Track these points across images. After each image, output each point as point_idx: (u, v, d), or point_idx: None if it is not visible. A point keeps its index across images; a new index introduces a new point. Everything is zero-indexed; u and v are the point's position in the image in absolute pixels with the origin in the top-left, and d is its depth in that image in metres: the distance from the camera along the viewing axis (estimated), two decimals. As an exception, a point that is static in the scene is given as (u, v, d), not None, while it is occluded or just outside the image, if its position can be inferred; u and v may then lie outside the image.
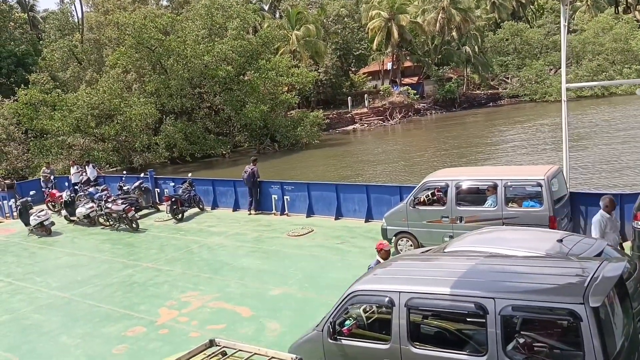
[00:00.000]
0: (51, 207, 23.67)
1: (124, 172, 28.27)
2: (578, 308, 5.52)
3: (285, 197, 19.47)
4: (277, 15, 75.49)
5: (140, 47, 41.54)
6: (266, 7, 77.18)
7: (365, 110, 62.08)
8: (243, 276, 13.63)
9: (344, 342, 7.09)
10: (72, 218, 21.51)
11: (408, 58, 68.09)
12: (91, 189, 22.29)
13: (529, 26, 75.90)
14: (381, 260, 8.93)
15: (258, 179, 19.93)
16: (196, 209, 21.15)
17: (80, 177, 24.88)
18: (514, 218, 11.45)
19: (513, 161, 31.81)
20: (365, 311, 7.49)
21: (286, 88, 47.37)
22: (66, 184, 26.00)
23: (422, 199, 13.19)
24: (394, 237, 13.44)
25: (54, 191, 24.26)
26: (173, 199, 20.18)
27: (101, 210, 20.09)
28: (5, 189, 24.58)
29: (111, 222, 20.01)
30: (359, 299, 7.18)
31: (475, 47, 67.47)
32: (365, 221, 17.13)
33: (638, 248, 9.53)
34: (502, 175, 12.29)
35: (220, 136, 45.04)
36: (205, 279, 13.76)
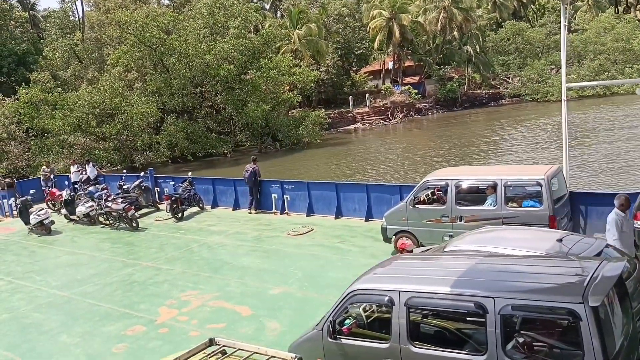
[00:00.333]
0: (51, 206, 23.69)
1: (124, 171, 28.25)
2: (577, 307, 5.51)
3: (285, 196, 19.46)
4: (278, 14, 75.48)
5: (142, 46, 41.53)
6: (267, 6, 77.18)
7: (366, 109, 62.07)
8: (243, 275, 13.63)
9: (343, 341, 7.08)
10: (72, 217, 21.51)
11: (409, 57, 68.02)
12: (91, 188, 22.28)
13: (530, 26, 75.81)
14: None
15: (259, 178, 19.94)
16: (196, 208, 21.15)
17: (80, 176, 24.86)
18: (514, 217, 11.44)
19: (515, 160, 31.79)
20: (365, 310, 7.48)
21: (287, 87, 47.34)
22: (66, 182, 26.01)
23: (422, 199, 13.19)
24: (393, 237, 13.44)
25: (54, 190, 24.28)
26: (173, 198, 20.17)
27: (101, 209, 20.10)
28: (5, 188, 24.55)
29: (111, 221, 20.01)
30: (359, 298, 7.17)
31: (477, 46, 67.41)
32: (365, 220, 17.13)
33: (638, 248, 9.52)
34: (502, 174, 12.29)
35: (221, 135, 45.01)
36: (205, 278, 13.76)
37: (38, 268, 16.10)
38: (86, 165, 26.32)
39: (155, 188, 23.18)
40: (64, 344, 10.84)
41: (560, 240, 8.44)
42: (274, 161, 39.59)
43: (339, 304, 7.17)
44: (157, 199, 22.99)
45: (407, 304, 6.56)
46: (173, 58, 41.32)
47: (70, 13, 62.90)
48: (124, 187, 21.77)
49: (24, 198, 21.46)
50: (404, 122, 60.16)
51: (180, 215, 20.12)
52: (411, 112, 63.11)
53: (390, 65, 67.41)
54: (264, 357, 5.90)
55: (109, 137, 40.16)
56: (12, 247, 19.06)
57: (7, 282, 15.00)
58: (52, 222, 20.22)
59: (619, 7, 11.92)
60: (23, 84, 41.00)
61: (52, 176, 26.05)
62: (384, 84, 66.45)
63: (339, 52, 64.54)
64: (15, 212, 22.70)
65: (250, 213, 20.03)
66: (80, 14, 60.72)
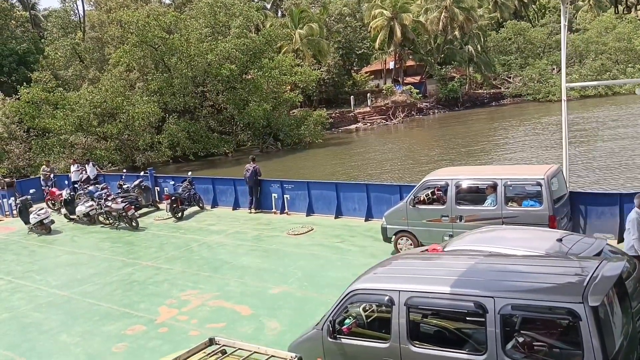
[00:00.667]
0: (51, 206, 23.71)
1: (124, 170, 28.25)
2: (577, 307, 5.51)
3: (285, 195, 19.46)
4: (279, 14, 75.48)
5: (143, 46, 41.51)
6: (268, 6, 77.14)
7: (367, 109, 62.05)
8: (243, 275, 13.62)
9: (343, 340, 7.07)
10: (71, 216, 21.52)
11: (410, 57, 67.97)
12: (91, 188, 22.27)
13: (531, 25, 75.75)
14: None
15: (259, 177, 19.93)
16: (196, 208, 21.17)
17: (80, 176, 24.85)
18: (514, 217, 11.43)
19: (518, 159, 31.75)
20: (365, 310, 7.48)
21: (289, 87, 47.33)
22: (66, 182, 26.01)
23: (422, 198, 13.18)
24: (393, 236, 13.43)
25: (54, 189, 24.29)
26: (173, 198, 20.17)
27: (101, 208, 20.10)
28: (5, 187, 24.55)
29: (111, 221, 20.01)
30: (359, 297, 7.17)
31: (478, 46, 67.34)
32: (365, 220, 17.13)
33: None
34: (502, 174, 12.27)
35: (223, 135, 44.96)
36: (205, 277, 13.75)
37: (38, 267, 16.09)
38: (86, 165, 26.32)
39: (155, 187, 23.18)
40: (63, 343, 10.84)
41: (560, 240, 8.45)
42: (275, 161, 39.60)
43: (339, 303, 7.17)
44: (157, 199, 22.99)
45: (407, 303, 6.56)
46: (175, 57, 41.31)
47: (72, 12, 62.95)
48: (124, 186, 21.77)
49: (23, 197, 21.46)
50: (405, 122, 60.15)
51: (180, 214, 20.12)
52: (412, 112, 63.09)
53: (391, 65, 67.37)
54: (263, 357, 5.88)
55: (110, 137, 40.12)
56: (12, 246, 19.05)
57: (7, 282, 15.00)
58: (52, 222, 20.22)
59: (619, 7, 11.88)
60: (24, 83, 41.00)
61: (52, 176, 26.07)
62: (385, 83, 66.43)
63: (340, 51, 64.50)
64: (15, 212, 22.71)
65: (250, 213, 20.02)
66: (81, 13, 60.83)
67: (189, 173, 22.94)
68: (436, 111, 65.59)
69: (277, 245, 15.86)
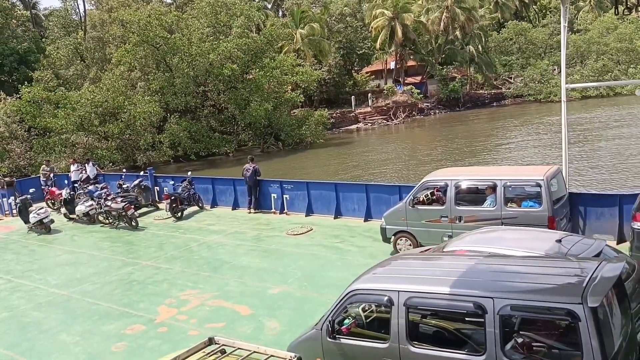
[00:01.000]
0: (51, 205, 23.71)
1: (124, 170, 28.25)
2: (576, 308, 5.50)
3: (284, 195, 19.45)
4: (280, 13, 75.46)
5: (145, 45, 41.54)
6: (269, 6, 77.15)
7: (368, 109, 62.03)
8: (242, 275, 13.61)
9: (342, 341, 7.07)
10: (71, 216, 21.52)
11: (411, 57, 67.96)
12: (91, 187, 22.30)
13: (532, 26, 75.72)
14: None
15: (259, 177, 19.93)
16: (195, 208, 21.16)
17: (80, 175, 24.86)
18: (513, 218, 11.42)
19: (519, 160, 31.74)
20: (364, 310, 7.47)
21: (290, 87, 47.33)
22: (66, 181, 26.01)
23: (421, 199, 13.16)
24: (392, 237, 13.42)
25: (54, 189, 24.30)
26: (172, 197, 20.17)
27: (101, 208, 20.10)
28: (5, 187, 24.56)
29: (110, 220, 20.00)
30: (358, 298, 7.16)
31: (479, 46, 67.33)
32: (365, 220, 17.12)
33: (637, 249, 9.49)
34: (502, 175, 12.25)
35: (224, 135, 44.95)
36: (204, 277, 13.75)
37: (37, 267, 16.09)
38: (86, 164, 26.33)
39: (155, 187, 23.17)
40: (63, 342, 10.84)
41: (559, 240, 8.44)
42: (276, 161, 39.60)
43: (338, 303, 7.17)
44: (157, 198, 22.98)
45: (407, 303, 6.55)
46: (176, 57, 41.33)
47: (73, 12, 62.97)
48: (124, 186, 21.75)
49: (23, 197, 21.46)
50: (406, 122, 60.12)
51: (179, 214, 20.11)
52: (413, 112, 63.05)
53: (392, 65, 67.37)
54: (263, 357, 5.88)
55: (111, 137, 40.15)
56: (11, 245, 19.05)
57: (7, 281, 15.00)
58: (52, 221, 20.21)
59: (619, 8, 11.87)
60: (25, 82, 41.02)
61: (51, 175, 26.07)
62: (386, 83, 66.39)
63: (341, 51, 64.48)
64: (14, 211, 22.70)
65: (249, 213, 20.02)
66: (82, 12, 60.82)
67: (189, 173, 22.94)
68: (437, 111, 65.54)
69: (277, 245, 15.86)
